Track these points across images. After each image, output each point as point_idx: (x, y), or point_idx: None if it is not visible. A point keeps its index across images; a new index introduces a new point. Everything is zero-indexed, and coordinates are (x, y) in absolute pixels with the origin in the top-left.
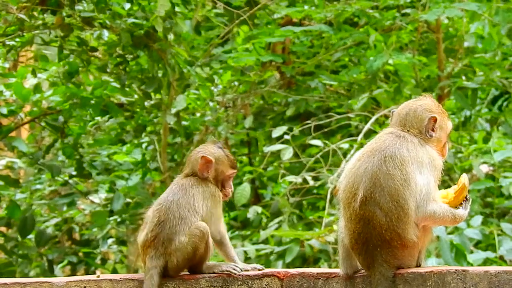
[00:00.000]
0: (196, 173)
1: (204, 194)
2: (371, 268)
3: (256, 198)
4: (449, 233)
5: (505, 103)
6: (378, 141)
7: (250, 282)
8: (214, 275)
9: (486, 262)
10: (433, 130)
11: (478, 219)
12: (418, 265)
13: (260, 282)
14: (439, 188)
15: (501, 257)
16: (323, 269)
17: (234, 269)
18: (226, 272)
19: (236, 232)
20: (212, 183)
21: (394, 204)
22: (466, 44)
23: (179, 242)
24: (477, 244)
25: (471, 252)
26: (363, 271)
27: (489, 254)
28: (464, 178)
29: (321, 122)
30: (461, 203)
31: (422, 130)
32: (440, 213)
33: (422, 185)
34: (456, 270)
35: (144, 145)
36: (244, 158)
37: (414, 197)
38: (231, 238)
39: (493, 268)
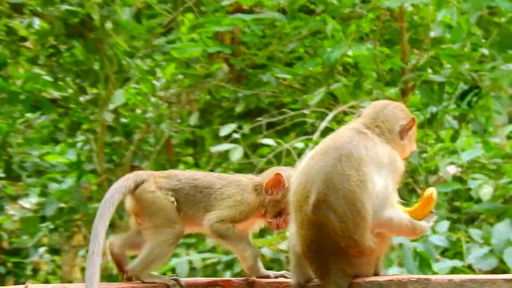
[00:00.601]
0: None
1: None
2: (325, 277)
3: None
4: (412, 240)
5: (474, 99)
6: (334, 137)
7: None
8: (155, 284)
9: (453, 271)
10: (405, 135)
11: (444, 225)
12: (377, 274)
13: None
14: (402, 192)
15: (470, 266)
16: (273, 280)
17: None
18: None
19: (181, 240)
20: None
21: (350, 208)
22: (432, 34)
23: None
24: (443, 252)
25: (437, 260)
26: (316, 280)
27: (456, 263)
28: (432, 190)
29: (273, 120)
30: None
31: (394, 130)
32: (397, 221)
33: (380, 187)
34: (418, 278)
35: (79, 145)
36: (189, 159)
37: (371, 200)
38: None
39: (457, 277)
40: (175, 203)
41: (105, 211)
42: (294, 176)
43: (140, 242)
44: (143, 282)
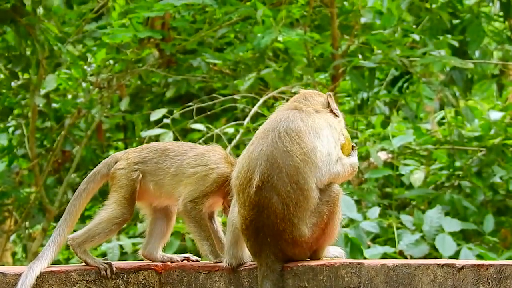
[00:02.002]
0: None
1: None
2: (257, 256)
3: None
4: (343, 226)
5: (405, 85)
6: (270, 120)
7: (125, 276)
8: (86, 267)
9: (385, 257)
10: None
11: (375, 211)
12: None
13: (136, 275)
14: None
15: (401, 252)
16: (205, 261)
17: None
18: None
19: None
20: None
21: (293, 187)
22: (363, 20)
23: None
24: (375, 239)
25: (368, 247)
26: (248, 263)
27: (388, 249)
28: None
29: (204, 105)
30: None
31: (325, 105)
32: (342, 172)
33: (322, 149)
34: (350, 263)
35: (10, 130)
36: (120, 144)
37: (317, 170)
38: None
39: (390, 261)
40: (140, 176)
41: (72, 203)
42: (236, 164)
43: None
44: (77, 256)
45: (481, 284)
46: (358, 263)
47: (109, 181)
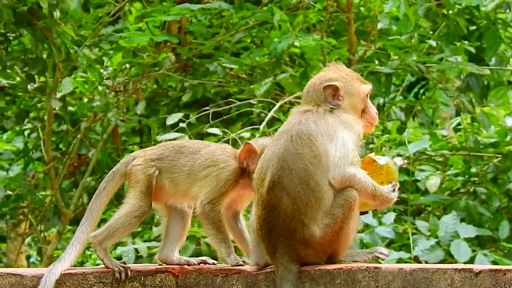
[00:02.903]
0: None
1: None
2: (273, 258)
3: None
4: (359, 232)
5: (422, 91)
6: (285, 123)
7: (142, 279)
8: (103, 270)
9: (400, 263)
10: (337, 99)
11: (390, 217)
12: None
13: (153, 278)
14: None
15: (416, 258)
16: (222, 265)
17: None
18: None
19: None
20: None
21: (304, 188)
22: (380, 25)
23: None
24: (390, 244)
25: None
26: (271, 266)
27: (403, 255)
28: (386, 160)
29: (220, 109)
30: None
31: (324, 101)
32: (360, 178)
33: (335, 152)
34: (367, 267)
35: (26, 133)
36: (136, 148)
37: (329, 172)
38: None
39: (407, 266)
40: (157, 172)
41: (93, 202)
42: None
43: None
44: (97, 255)
45: None
46: (375, 267)
47: (127, 178)
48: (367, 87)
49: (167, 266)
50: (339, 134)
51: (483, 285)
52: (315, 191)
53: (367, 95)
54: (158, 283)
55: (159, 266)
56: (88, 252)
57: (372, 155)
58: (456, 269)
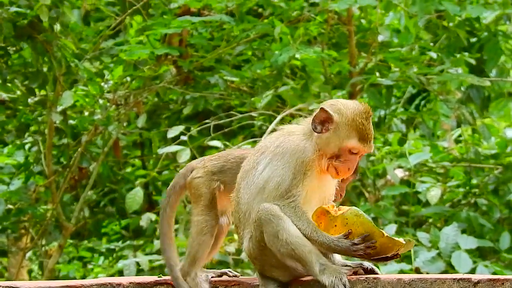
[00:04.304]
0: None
1: None
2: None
3: (150, 205)
4: None
5: (423, 102)
6: None
7: None
8: (103, 282)
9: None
10: (322, 125)
11: (392, 228)
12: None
13: None
14: (350, 196)
15: (417, 269)
16: (224, 278)
17: None
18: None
19: (128, 242)
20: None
21: (235, 200)
22: (380, 38)
23: None
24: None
25: (384, 264)
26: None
27: (404, 266)
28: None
29: (221, 122)
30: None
31: (312, 119)
32: (263, 214)
33: (265, 178)
34: (366, 278)
35: (27, 146)
36: (137, 161)
37: (250, 191)
38: (122, 249)
39: (406, 276)
40: (221, 186)
41: (161, 222)
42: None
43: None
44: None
45: None
46: (375, 278)
47: (187, 190)
48: (352, 144)
49: (166, 278)
50: (278, 163)
51: None
52: (239, 203)
53: (349, 150)
54: None
55: (158, 278)
56: (89, 266)
57: (328, 206)
58: (454, 279)
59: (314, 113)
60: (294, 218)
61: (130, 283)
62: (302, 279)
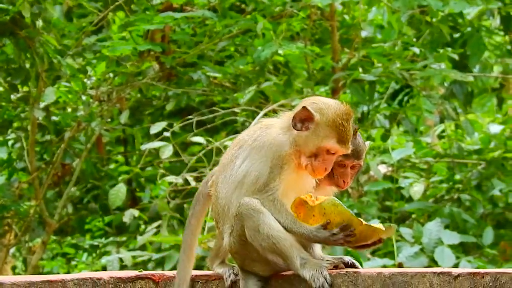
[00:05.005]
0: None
1: None
2: None
3: (133, 201)
4: None
5: (406, 98)
6: None
7: (122, 285)
8: (83, 277)
9: None
10: (302, 123)
11: (374, 224)
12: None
13: (133, 285)
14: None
15: (400, 265)
16: (202, 271)
17: None
18: None
19: (111, 238)
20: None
21: (215, 195)
22: (364, 33)
23: None
24: (375, 252)
25: (368, 259)
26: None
27: (387, 262)
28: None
29: (204, 118)
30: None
31: (293, 116)
32: (244, 209)
33: (243, 172)
34: (347, 272)
35: (10, 143)
36: (120, 157)
37: (228, 185)
38: (105, 245)
39: (386, 270)
40: None
41: (185, 233)
42: None
43: None
44: None
45: None
46: (355, 272)
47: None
48: (331, 145)
49: (148, 272)
50: (256, 156)
51: None
52: (218, 197)
53: (326, 150)
54: None
55: (139, 273)
56: (73, 263)
57: (306, 196)
58: (434, 272)
59: (295, 110)
60: (273, 211)
61: (111, 277)
62: (282, 273)
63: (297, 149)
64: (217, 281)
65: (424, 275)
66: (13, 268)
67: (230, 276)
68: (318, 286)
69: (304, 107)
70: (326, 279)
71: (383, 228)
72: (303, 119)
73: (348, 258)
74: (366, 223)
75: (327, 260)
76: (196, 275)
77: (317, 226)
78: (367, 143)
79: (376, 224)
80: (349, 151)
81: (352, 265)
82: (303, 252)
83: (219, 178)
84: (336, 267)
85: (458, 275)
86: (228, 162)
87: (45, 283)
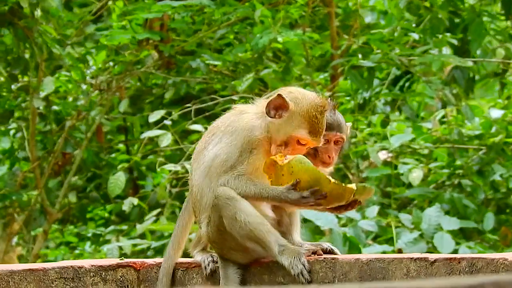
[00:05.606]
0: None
1: None
2: None
3: (135, 190)
4: (342, 225)
5: (407, 84)
6: None
7: (103, 273)
8: (65, 265)
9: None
10: (276, 111)
11: (373, 210)
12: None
13: (115, 273)
14: (334, 177)
15: (400, 250)
16: (183, 259)
17: None
18: None
19: (112, 227)
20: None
21: (190, 186)
22: (367, 19)
23: None
24: (376, 238)
25: (368, 245)
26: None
27: (386, 248)
28: (300, 159)
29: (202, 106)
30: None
31: (268, 103)
32: (234, 186)
33: (212, 156)
34: (325, 258)
35: (12, 132)
36: (122, 146)
37: (202, 171)
38: (107, 234)
39: (364, 256)
40: None
41: (178, 220)
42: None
43: None
44: None
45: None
46: (333, 258)
47: None
48: (302, 135)
49: (129, 260)
50: (226, 140)
51: (438, 274)
52: (192, 185)
53: (297, 140)
54: (120, 277)
55: (120, 261)
56: (77, 251)
57: (276, 156)
58: (411, 258)
59: (271, 97)
60: (240, 186)
61: (92, 265)
62: (262, 261)
63: (268, 136)
64: (197, 269)
65: (401, 261)
66: (19, 257)
67: (209, 265)
68: (296, 273)
69: (279, 95)
70: (304, 266)
71: (355, 188)
72: (277, 107)
73: (327, 245)
74: (335, 181)
75: (306, 247)
76: (176, 263)
77: (287, 186)
78: (348, 124)
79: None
80: (319, 144)
81: (331, 251)
82: (281, 239)
83: (193, 166)
84: (314, 253)
85: (435, 261)
86: (201, 149)
87: (26, 271)
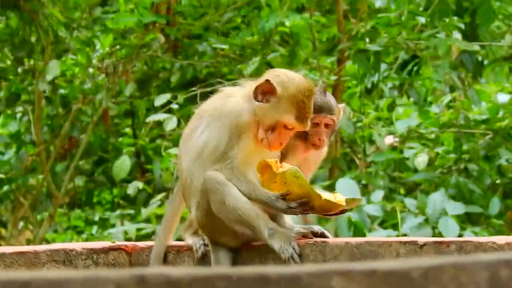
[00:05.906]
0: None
1: None
2: None
3: (142, 174)
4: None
5: (415, 68)
6: None
7: (95, 256)
8: (56, 248)
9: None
10: (263, 95)
11: (378, 194)
12: None
13: (106, 256)
14: (340, 163)
15: (404, 235)
16: (174, 242)
17: None
18: None
19: (118, 211)
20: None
21: (179, 170)
22: (377, 4)
23: None
24: (383, 223)
25: (373, 230)
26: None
27: (391, 233)
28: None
29: (208, 89)
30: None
31: (256, 88)
32: (208, 180)
33: (202, 142)
34: (315, 241)
35: (18, 116)
36: (128, 130)
37: (189, 156)
38: (114, 218)
39: (354, 239)
40: None
41: (172, 200)
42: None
43: None
44: None
45: None
46: (323, 242)
47: None
48: (289, 120)
49: (120, 243)
50: (214, 125)
51: (427, 257)
52: (182, 170)
53: (284, 125)
54: (111, 260)
55: (112, 244)
56: (84, 236)
57: (272, 161)
58: (401, 241)
59: (259, 82)
60: (233, 180)
61: (83, 248)
62: (252, 244)
63: (256, 119)
64: (189, 252)
65: (391, 244)
66: (28, 241)
67: (200, 248)
68: (287, 257)
69: (267, 80)
70: (295, 250)
71: (344, 204)
72: (265, 91)
73: (317, 228)
74: (326, 197)
75: (296, 230)
76: (168, 246)
77: (276, 194)
78: (341, 105)
79: (339, 197)
80: (307, 129)
81: (322, 235)
82: (270, 223)
83: (181, 150)
84: (305, 236)
85: (424, 244)
86: (189, 133)
87: (17, 254)
